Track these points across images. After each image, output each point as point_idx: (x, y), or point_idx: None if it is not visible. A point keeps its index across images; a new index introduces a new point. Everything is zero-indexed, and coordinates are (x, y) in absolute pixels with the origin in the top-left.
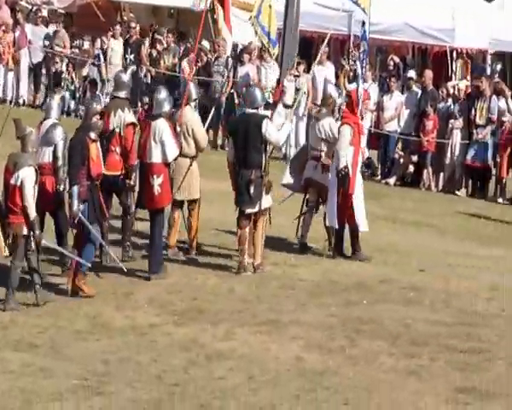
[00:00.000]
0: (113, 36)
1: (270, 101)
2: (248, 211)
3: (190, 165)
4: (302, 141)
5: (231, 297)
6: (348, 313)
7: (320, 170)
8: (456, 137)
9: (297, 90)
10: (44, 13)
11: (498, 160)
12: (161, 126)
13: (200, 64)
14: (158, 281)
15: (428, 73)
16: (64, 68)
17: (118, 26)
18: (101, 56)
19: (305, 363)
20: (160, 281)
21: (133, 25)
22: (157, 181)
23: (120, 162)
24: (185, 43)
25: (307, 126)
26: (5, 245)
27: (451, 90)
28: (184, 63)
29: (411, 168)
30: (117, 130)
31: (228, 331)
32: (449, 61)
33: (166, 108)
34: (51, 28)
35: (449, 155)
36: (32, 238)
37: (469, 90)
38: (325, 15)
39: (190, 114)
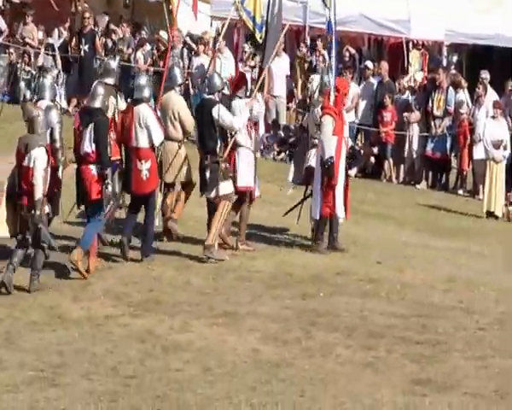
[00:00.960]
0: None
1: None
2: (206, 196)
3: (179, 148)
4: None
5: (188, 289)
6: (304, 305)
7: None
8: (414, 130)
9: (253, 80)
10: None
11: (458, 152)
12: (145, 112)
13: (156, 54)
14: (114, 272)
15: (384, 65)
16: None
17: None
18: (56, 46)
19: (261, 355)
20: (116, 272)
21: (87, 15)
22: (145, 166)
23: (115, 147)
24: (140, 33)
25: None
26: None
27: (407, 84)
28: (139, 54)
29: (372, 160)
30: (110, 116)
31: (185, 323)
32: (405, 53)
33: (147, 93)
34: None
35: (407, 147)
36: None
37: (426, 82)
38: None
39: (176, 99)
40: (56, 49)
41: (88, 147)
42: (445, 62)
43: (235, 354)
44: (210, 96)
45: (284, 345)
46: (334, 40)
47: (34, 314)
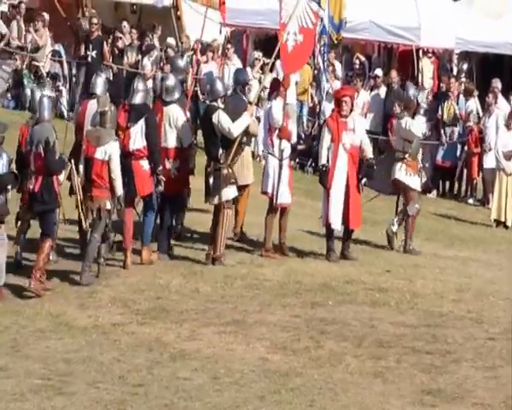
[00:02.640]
0: None
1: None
2: (210, 203)
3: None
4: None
5: (196, 297)
6: (313, 314)
7: (404, 171)
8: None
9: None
10: (4, 8)
11: (468, 160)
12: (175, 112)
13: (163, 61)
14: (121, 280)
15: (394, 73)
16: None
17: None
18: (62, 52)
19: (269, 364)
20: (123, 280)
21: (95, 21)
22: (173, 165)
23: None
24: (146, 39)
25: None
26: (85, 219)
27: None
28: (146, 60)
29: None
30: None
31: (192, 331)
32: (415, 61)
33: (177, 94)
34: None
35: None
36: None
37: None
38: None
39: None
40: (63, 55)
41: (139, 143)
42: (455, 70)
43: (243, 363)
44: (212, 103)
45: (293, 354)
46: (327, 42)
47: (41, 322)
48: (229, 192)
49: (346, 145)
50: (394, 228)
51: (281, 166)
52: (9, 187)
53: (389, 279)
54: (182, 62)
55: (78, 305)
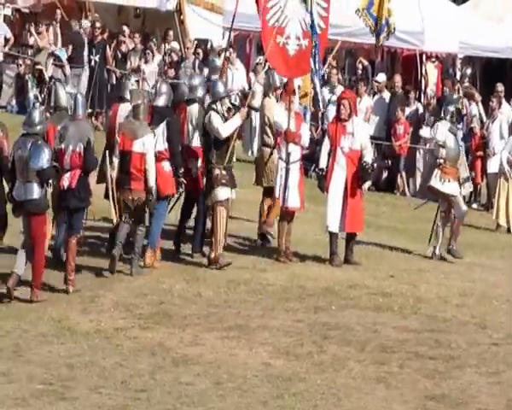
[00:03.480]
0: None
1: (237, 103)
2: (207, 204)
3: (271, 154)
4: None
5: (199, 302)
6: (316, 319)
7: (439, 177)
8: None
9: None
10: (7, 11)
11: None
12: (198, 112)
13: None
14: (123, 284)
15: (398, 78)
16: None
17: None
18: (64, 57)
19: (272, 369)
20: (126, 284)
21: (98, 25)
22: (195, 164)
23: None
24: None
25: None
26: (116, 213)
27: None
28: (143, 67)
29: (385, 173)
30: None
31: (195, 336)
32: (418, 65)
33: (200, 93)
34: None
35: (421, 159)
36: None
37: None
38: None
39: (270, 106)
40: (64, 60)
41: (161, 145)
42: (458, 75)
43: (246, 368)
44: (212, 105)
45: (296, 359)
46: (317, 43)
47: (43, 326)
48: (222, 193)
49: (344, 149)
50: (437, 250)
51: (287, 170)
52: (51, 181)
53: (393, 284)
54: (218, 62)
55: (80, 309)
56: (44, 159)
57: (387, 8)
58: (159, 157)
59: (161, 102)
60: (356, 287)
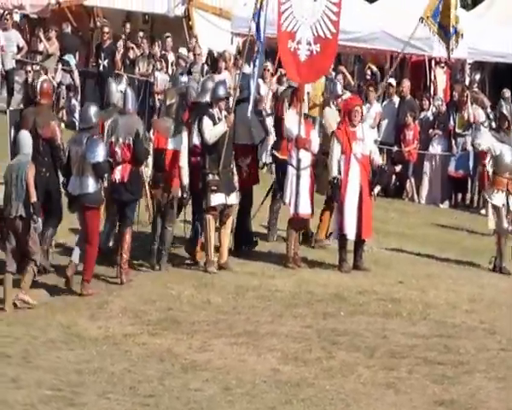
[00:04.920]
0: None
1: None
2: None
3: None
4: None
5: (207, 308)
6: (325, 325)
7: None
8: (436, 148)
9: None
10: (16, 18)
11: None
12: (246, 110)
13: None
14: (132, 290)
15: (406, 83)
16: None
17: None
18: (73, 62)
19: (281, 375)
20: (134, 290)
21: (106, 29)
22: (244, 162)
23: None
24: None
25: None
26: (151, 211)
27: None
28: (157, 73)
29: (394, 179)
30: None
31: (204, 342)
32: (427, 71)
33: (247, 93)
34: None
35: (429, 165)
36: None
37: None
38: None
39: (331, 115)
40: (73, 65)
41: (195, 139)
42: (467, 80)
43: (254, 374)
44: (208, 109)
45: (305, 365)
46: (261, 48)
47: (51, 333)
48: (215, 198)
49: (357, 155)
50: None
51: (298, 176)
52: (106, 175)
53: (401, 290)
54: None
55: (89, 316)
56: (100, 153)
57: (455, 15)
58: (195, 151)
59: (204, 98)
60: (365, 293)
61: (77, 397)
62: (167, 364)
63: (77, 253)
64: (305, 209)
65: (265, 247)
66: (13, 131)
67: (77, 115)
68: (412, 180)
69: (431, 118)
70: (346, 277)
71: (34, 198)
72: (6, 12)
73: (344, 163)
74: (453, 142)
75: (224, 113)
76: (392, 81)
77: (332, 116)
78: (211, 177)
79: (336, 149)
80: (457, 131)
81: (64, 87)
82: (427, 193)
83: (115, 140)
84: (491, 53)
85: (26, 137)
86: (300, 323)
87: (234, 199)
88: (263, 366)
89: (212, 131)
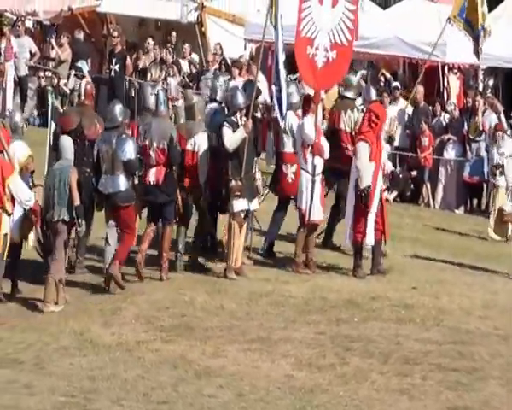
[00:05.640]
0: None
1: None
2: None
3: None
4: None
5: (221, 314)
6: (339, 331)
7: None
8: (451, 153)
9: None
10: (29, 24)
11: None
12: (291, 119)
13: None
14: (145, 297)
15: (420, 89)
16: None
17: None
18: (85, 69)
19: (295, 381)
20: (147, 297)
21: (115, 34)
22: (290, 169)
23: None
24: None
25: None
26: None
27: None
28: (170, 79)
29: (411, 185)
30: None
31: (217, 348)
32: (440, 77)
33: (295, 100)
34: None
35: (444, 171)
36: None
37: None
38: None
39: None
40: (86, 72)
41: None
42: (481, 86)
43: (268, 380)
44: (228, 117)
45: (318, 371)
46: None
47: (64, 339)
48: (238, 204)
49: (382, 164)
50: None
51: (313, 182)
52: (136, 173)
53: (415, 296)
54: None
55: (102, 322)
56: (130, 150)
57: (482, 12)
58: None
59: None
60: (378, 299)
61: (90, 404)
62: (181, 370)
63: (109, 255)
64: (317, 216)
65: (280, 253)
66: (53, 125)
67: None
68: (428, 185)
69: (444, 123)
70: (360, 283)
71: (77, 202)
72: (19, 18)
73: (373, 172)
74: (467, 147)
75: (244, 119)
76: (397, 84)
77: None
78: (233, 183)
79: (366, 156)
80: (470, 136)
81: (76, 94)
82: (441, 198)
83: (149, 143)
84: (505, 59)
85: (67, 141)
86: (314, 329)
87: (256, 204)
88: (276, 372)
89: (232, 138)
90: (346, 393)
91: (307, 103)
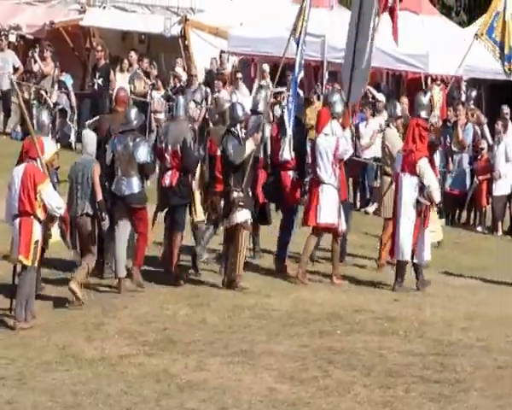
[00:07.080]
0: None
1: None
2: (221, 225)
3: (391, 183)
4: None
5: (203, 327)
6: (321, 344)
7: None
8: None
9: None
10: (12, 38)
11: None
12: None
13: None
14: (128, 311)
15: (405, 100)
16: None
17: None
18: (69, 83)
19: (277, 394)
20: (130, 311)
21: (99, 48)
22: (293, 176)
23: None
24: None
25: None
26: (203, 211)
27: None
28: (154, 93)
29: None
30: None
31: (200, 362)
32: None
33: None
34: None
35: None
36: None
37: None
38: None
39: (391, 136)
40: (70, 86)
41: (287, 154)
42: (463, 97)
43: (251, 393)
44: (231, 129)
45: (301, 384)
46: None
47: (47, 354)
48: (241, 215)
49: None
50: None
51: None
52: (150, 176)
53: (397, 308)
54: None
55: (84, 337)
56: (146, 153)
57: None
58: (284, 166)
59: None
60: (361, 311)
61: None
62: (164, 384)
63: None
64: (344, 225)
65: (263, 265)
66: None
67: (73, 136)
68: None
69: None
70: (343, 295)
71: (100, 197)
72: (2, 33)
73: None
74: (449, 159)
75: (244, 131)
76: (382, 97)
77: (395, 137)
78: (236, 194)
79: (431, 171)
80: (453, 149)
81: (59, 108)
82: None
83: (165, 146)
84: (488, 70)
85: (90, 136)
86: (297, 342)
87: (254, 215)
88: (259, 385)
89: (241, 150)
90: (329, 406)
91: (325, 118)
